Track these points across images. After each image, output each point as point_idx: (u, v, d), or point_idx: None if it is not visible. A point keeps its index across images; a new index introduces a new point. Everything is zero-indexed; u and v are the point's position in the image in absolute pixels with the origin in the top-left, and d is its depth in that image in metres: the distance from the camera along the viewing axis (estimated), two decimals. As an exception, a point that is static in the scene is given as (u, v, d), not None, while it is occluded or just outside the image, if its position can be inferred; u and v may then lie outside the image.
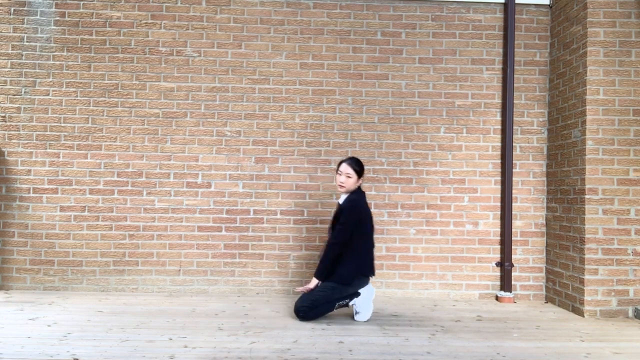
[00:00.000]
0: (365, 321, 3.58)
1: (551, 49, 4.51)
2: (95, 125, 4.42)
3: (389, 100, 4.51)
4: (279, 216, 4.47)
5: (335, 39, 4.52)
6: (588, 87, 3.93)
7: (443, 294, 4.47)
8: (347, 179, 3.63)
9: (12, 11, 4.39)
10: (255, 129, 4.48)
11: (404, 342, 3.09)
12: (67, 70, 4.41)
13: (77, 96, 4.42)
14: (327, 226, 4.45)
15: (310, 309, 3.51)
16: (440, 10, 4.54)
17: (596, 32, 3.94)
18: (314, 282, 3.59)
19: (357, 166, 3.65)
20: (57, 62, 4.40)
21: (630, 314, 3.87)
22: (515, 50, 4.50)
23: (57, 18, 4.41)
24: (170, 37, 4.46)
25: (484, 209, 4.50)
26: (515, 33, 4.49)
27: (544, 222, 4.50)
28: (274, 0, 4.51)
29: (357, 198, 3.63)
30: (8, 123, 4.38)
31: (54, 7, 4.41)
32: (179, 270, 4.41)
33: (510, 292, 4.39)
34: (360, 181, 3.69)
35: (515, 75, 4.49)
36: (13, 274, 4.34)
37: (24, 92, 4.39)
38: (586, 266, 3.87)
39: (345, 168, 3.64)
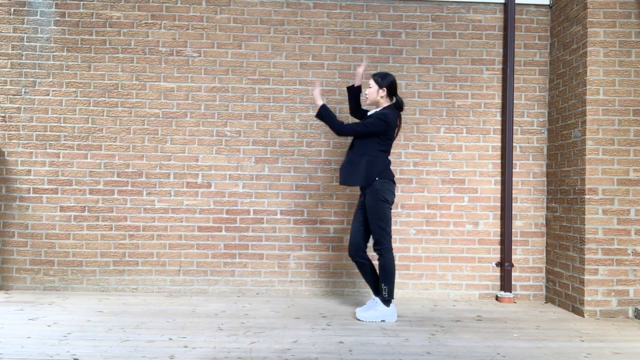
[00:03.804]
0: (363, 321, 3.58)
1: (551, 49, 4.51)
2: (95, 126, 4.42)
3: (389, 101, 4.51)
4: (279, 216, 4.46)
5: (335, 39, 4.52)
6: (588, 87, 3.93)
7: (443, 294, 4.47)
8: (368, 89, 3.68)
9: (12, 11, 4.39)
10: (255, 129, 4.48)
11: (404, 342, 3.09)
12: (67, 70, 4.41)
13: (77, 96, 4.42)
14: (326, 226, 4.46)
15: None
16: (440, 10, 4.54)
17: (596, 32, 3.94)
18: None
19: (378, 77, 3.66)
20: (57, 62, 4.40)
21: (630, 314, 3.87)
22: (515, 50, 4.50)
23: (57, 18, 4.41)
24: (170, 37, 4.46)
25: (484, 209, 4.50)
26: (515, 33, 4.49)
27: (544, 222, 4.50)
28: (274, 0, 4.51)
29: (386, 112, 3.59)
30: (8, 123, 4.38)
31: (54, 7, 4.41)
32: (179, 270, 4.41)
33: (510, 292, 4.38)
34: (383, 92, 3.63)
35: (515, 75, 4.49)
36: (13, 274, 4.34)
37: (24, 92, 4.39)
38: (586, 266, 3.87)
39: (369, 80, 3.68)
